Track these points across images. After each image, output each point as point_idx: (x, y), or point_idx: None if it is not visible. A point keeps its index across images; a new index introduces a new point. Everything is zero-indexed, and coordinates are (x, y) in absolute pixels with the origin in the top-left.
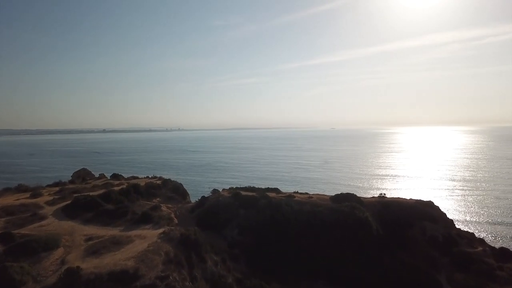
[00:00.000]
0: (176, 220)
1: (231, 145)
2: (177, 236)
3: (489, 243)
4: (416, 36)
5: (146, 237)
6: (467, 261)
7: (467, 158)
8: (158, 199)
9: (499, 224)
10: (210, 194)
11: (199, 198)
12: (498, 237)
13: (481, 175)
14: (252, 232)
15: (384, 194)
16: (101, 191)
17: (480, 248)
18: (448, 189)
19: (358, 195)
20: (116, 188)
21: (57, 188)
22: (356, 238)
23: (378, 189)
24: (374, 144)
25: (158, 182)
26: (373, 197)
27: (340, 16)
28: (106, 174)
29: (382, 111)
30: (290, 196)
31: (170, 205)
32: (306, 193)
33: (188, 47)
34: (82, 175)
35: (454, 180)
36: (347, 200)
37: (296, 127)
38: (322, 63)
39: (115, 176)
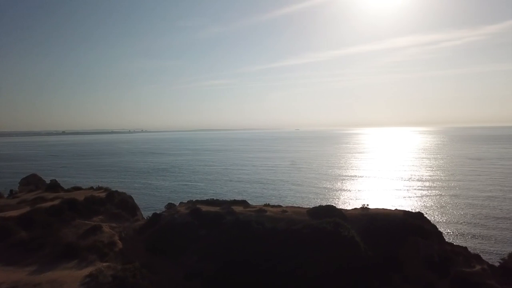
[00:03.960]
0: (120, 245)
1: (195, 147)
2: (108, 280)
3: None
4: (378, 40)
5: (63, 284)
6: (468, 285)
7: (428, 158)
8: (100, 217)
9: (460, 224)
10: (164, 209)
11: (151, 214)
12: (460, 235)
13: (443, 174)
14: (215, 258)
15: (367, 204)
16: (24, 210)
17: (478, 267)
18: (411, 188)
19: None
20: (45, 205)
21: None
22: (342, 262)
23: (346, 190)
24: (338, 145)
25: (102, 195)
26: (355, 208)
27: (304, 19)
28: (60, 180)
29: (346, 113)
30: (261, 210)
31: (114, 224)
32: (279, 206)
33: (152, 48)
34: (32, 182)
35: (416, 180)
36: (328, 214)
37: (261, 128)
38: (287, 66)
39: (52, 187)
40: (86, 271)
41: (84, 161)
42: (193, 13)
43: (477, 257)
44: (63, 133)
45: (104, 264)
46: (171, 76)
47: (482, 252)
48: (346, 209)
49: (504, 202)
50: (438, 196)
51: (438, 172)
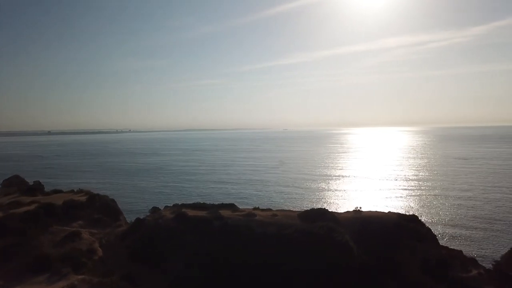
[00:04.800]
0: (100, 252)
1: (183, 147)
2: None
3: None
4: (368, 41)
5: None
6: None
7: (416, 157)
8: (80, 222)
9: (450, 225)
10: (148, 214)
11: (134, 219)
12: (450, 237)
13: (430, 174)
14: (202, 266)
15: (360, 207)
16: None
17: (475, 272)
18: (400, 189)
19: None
20: (20, 211)
21: None
22: (336, 268)
23: (337, 190)
24: (326, 145)
25: (83, 198)
26: (348, 211)
27: (295, 19)
28: (44, 181)
29: (334, 113)
30: (250, 214)
31: (95, 230)
32: (269, 209)
33: (141, 48)
34: (14, 183)
35: (404, 180)
36: (320, 218)
37: (250, 128)
38: (276, 66)
39: (30, 190)
40: (57, 286)
41: (70, 161)
42: (182, 13)
43: (473, 261)
44: (49, 133)
45: (79, 277)
46: (159, 75)
47: (470, 252)
48: (339, 212)
49: (487, 203)
50: (425, 196)
51: (425, 172)
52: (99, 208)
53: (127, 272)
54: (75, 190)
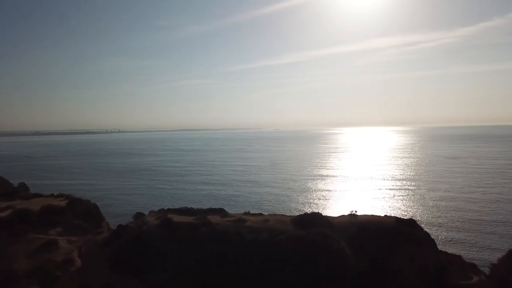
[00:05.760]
0: (78, 263)
1: (173, 147)
2: None
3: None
4: (357, 41)
5: None
6: None
7: (406, 157)
8: (58, 229)
9: (442, 226)
10: (132, 219)
11: (117, 226)
12: (445, 240)
13: (421, 174)
14: (188, 276)
15: (355, 211)
16: None
17: (476, 278)
18: (390, 188)
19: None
20: None
21: None
22: (331, 277)
23: (329, 190)
24: (317, 145)
25: (62, 203)
26: (343, 215)
27: (285, 19)
28: (30, 183)
29: (325, 113)
30: (240, 220)
31: (74, 238)
32: (261, 214)
33: (130, 47)
34: None
35: (396, 179)
36: (314, 223)
37: (242, 128)
38: (266, 66)
39: (9, 194)
40: None
41: (57, 162)
42: (172, 12)
43: (473, 267)
44: (37, 133)
45: None
46: (149, 75)
47: (466, 254)
48: (333, 216)
49: (475, 203)
50: (418, 196)
51: (417, 172)
52: (79, 214)
53: (106, 284)
54: (55, 194)
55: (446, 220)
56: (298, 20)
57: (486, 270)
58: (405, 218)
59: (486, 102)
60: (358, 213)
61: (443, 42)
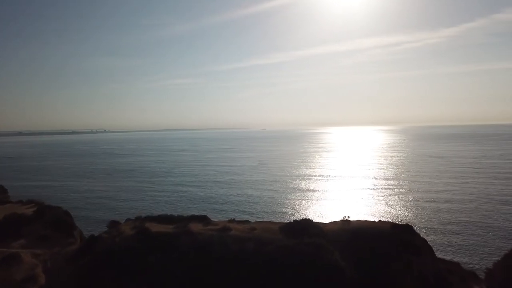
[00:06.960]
0: (42, 279)
1: (158, 147)
2: None
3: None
4: (344, 41)
5: None
6: None
7: (392, 156)
8: (22, 241)
9: (435, 229)
10: (106, 229)
11: (88, 237)
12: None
13: (410, 174)
14: None
15: (348, 216)
16: None
17: None
18: (376, 188)
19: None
20: None
21: None
22: None
23: (318, 191)
24: (304, 144)
25: (29, 211)
26: (335, 222)
27: (271, 19)
28: (9, 186)
29: (311, 112)
30: (225, 229)
31: (39, 251)
32: (247, 222)
33: (116, 46)
34: None
35: (380, 179)
36: (305, 231)
37: (228, 128)
38: (253, 65)
39: None
40: None
41: (40, 163)
42: (158, 11)
43: (472, 275)
44: (20, 133)
45: None
46: (135, 74)
47: (460, 258)
48: (325, 223)
49: (465, 204)
50: (408, 197)
51: (405, 172)
52: (48, 223)
53: None
54: (24, 201)
55: (438, 221)
56: (285, 20)
57: (482, 275)
58: (401, 223)
59: (473, 102)
60: (351, 219)
61: (428, 43)
